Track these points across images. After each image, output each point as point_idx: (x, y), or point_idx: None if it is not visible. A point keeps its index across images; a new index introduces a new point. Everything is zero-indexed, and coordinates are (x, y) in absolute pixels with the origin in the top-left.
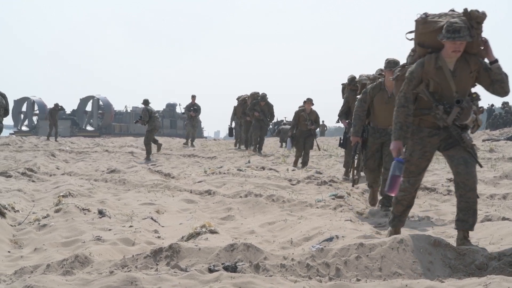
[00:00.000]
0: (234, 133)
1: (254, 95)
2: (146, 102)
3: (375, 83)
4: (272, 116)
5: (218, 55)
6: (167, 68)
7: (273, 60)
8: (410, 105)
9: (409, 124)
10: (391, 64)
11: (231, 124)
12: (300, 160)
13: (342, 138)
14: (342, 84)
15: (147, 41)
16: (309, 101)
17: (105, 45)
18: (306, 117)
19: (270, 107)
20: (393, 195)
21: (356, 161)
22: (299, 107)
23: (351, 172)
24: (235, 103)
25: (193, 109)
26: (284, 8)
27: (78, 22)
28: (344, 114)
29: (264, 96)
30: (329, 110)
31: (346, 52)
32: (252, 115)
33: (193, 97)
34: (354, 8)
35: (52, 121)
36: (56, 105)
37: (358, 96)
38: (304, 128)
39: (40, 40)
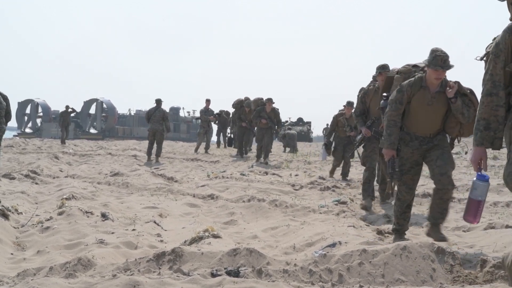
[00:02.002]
0: (233, 142)
1: (258, 102)
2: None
3: (413, 79)
4: (279, 122)
5: (220, 58)
6: (171, 71)
7: (278, 64)
8: (500, 92)
9: (500, 119)
10: (438, 60)
11: (230, 133)
12: (336, 170)
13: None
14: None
15: (151, 45)
16: (349, 106)
17: (109, 48)
18: (345, 123)
19: (276, 114)
20: (474, 223)
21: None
22: (339, 110)
23: (384, 188)
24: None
25: (217, 114)
26: (286, 9)
27: (80, 24)
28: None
29: (271, 99)
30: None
31: (351, 55)
32: (258, 123)
33: (208, 101)
34: (364, 8)
35: (63, 124)
36: (67, 107)
37: (385, 94)
38: (342, 135)
39: (43, 43)
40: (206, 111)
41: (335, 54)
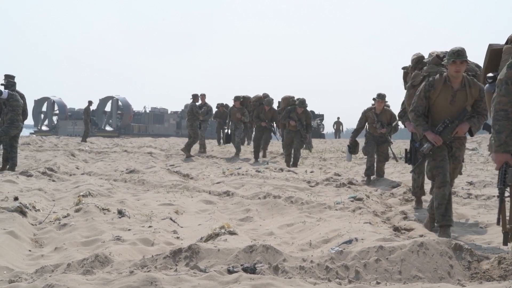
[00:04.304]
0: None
1: (289, 100)
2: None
3: None
4: (310, 127)
5: (232, 55)
6: (186, 69)
7: (286, 59)
8: None
9: None
10: None
11: (228, 128)
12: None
13: (408, 151)
14: (404, 69)
15: (164, 44)
16: (380, 98)
17: (125, 47)
18: (375, 118)
19: (308, 116)
20: None
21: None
22: (372, 105)
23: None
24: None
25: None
26: (287, 8)
27: (97, 25)
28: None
29: (303, 102)
30: (347, 108)
31: (356, 50)
32: (286, 125)
33: (202, 96)
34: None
35: (87, 120)
36: (89, 102)
37: (491, 75)
38: (376, 133)
39: (61, 43)
40: (199, 108)
41: (341, 48)
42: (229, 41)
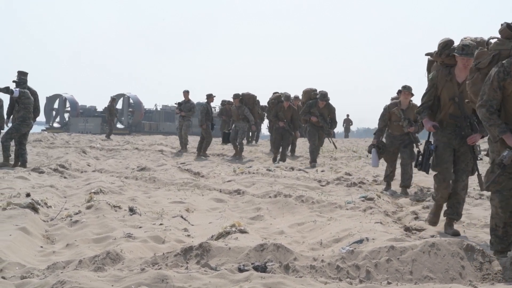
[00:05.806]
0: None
1: (310, 93)
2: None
3: None
4: (334, 122)
5: (234, 56)
6: (186, 68)
7: (287, 59)
8: None
9: None
10: None
11: (230, 127)
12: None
13: (422, 154)
14: (428, 55)
15: (168, 43)
16: (407, 90)
17: (135, 46)
18: (401, 115)
19: (331, 111)
20: None
21: None
22: (392, 98)
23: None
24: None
25: (178, 103)
26: (289, 7)
27: (100, 24)
28: (428, 108)
29: (325, 95)
30: (354, 107)
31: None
32: (308, 120)
33: (185, 93)
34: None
35: (111, 118)
36: (113, 99)
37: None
38: (397, 132)
39: (70, 42)
40: (182, 104)
41: (342, 47)
42: (229, 41)
